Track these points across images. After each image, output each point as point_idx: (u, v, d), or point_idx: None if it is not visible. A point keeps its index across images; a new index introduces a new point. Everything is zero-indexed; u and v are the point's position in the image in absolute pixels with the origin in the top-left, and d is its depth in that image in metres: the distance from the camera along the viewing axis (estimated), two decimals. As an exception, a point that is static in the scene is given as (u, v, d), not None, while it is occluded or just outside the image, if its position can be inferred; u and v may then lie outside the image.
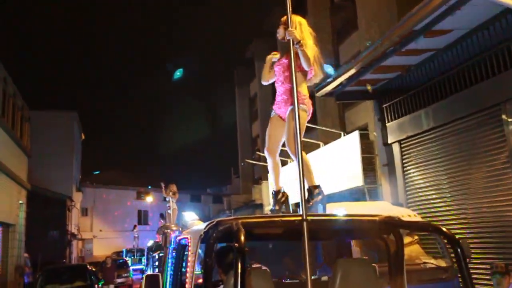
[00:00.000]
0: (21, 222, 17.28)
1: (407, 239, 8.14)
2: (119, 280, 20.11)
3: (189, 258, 3.14)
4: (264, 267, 3.97)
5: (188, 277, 3.05)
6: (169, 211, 12.20)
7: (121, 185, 49.56)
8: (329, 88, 10.66)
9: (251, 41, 36.54)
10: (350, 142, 12.43)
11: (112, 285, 15.89)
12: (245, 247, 2.30)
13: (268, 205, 19.35)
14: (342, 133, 13.07)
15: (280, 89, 4.01)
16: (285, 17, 3.53)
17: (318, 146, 14.30)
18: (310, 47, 3.81)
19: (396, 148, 10.76)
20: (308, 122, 4.16)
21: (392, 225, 3.24)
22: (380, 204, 9.05)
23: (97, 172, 55.54)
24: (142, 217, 48.68)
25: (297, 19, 3.86)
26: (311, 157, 14.96)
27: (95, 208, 46.35)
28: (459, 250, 2.73)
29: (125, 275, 22.78)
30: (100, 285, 14.87)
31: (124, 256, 31.95)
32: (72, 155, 37.94)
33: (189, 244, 3.16)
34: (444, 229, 2.97)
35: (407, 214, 8.28)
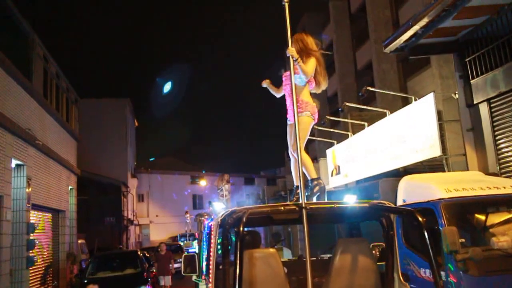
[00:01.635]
0: (72, 208, 16.77)
1: (506, 215, 6.55)
2: (176, 265, 18.45)
3: (212, 241, 3.78)
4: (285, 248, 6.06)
5: (212, 255, 3.72)
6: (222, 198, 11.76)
7: (175, 170, 49.57)
8: (400, 41, 9.01)
9: (302, 14, 34.67)
10: (424, 107, 10.71)
11: (169, 276, 14.16)
12: (243, 232, 2.84)
13: (327, 184, 17.93)
14: (413, 98, 11.35)
15: (288, 100, 4.45)
16: (293, 36, 4.22)
17: (384, 115, 12.65)
18: (312, 62, 4.28)
19: (484, 109, 9.00)
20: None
21: (381, 209, 3.60)
22: (474, 175, 7.43)
23: (152, 159, 55.96)
24: (197, 202, 48.53)
25: (299, 37, 4.39)
26: (377, 127, 13.44)
27: (151, 194, 46.59)
28: (424, 233, 3.05)
29: (181, 259, 22.13)
30: (151, 271, 14.04)
31: (178, 241, 31.72)
32: (126, 142, 37.97)
33: (213, 229, 3.85)
34: (416, 213, 3.20)
35: (509, 185, 6.66)
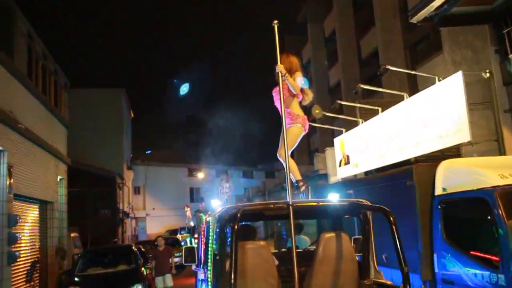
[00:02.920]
0: (62, 199, 15.63)
1: None
2: (176, 260, 16.16)
3: (210, 234, 4.35)
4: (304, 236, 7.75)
5: (210, 248, 4.27)
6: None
7: (172, 162, 48.47)
8: (431, 8, 7.89)
9: (305, 1, 33.54)
10: (450, 88, 9.59)
11: (169, 275, 11.95)
12: (238, 226, 3.30)
13: (334, 175, 16.84)
14: (437, 78, 10.25)
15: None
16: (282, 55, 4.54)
17: (401, 98, 11.52)
18: (299, 76, 4.85)
19: (525, 87, 7.92)
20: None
21: (358, 207, 4.21)
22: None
23: (149, 152, 54.76)
24: (194, 194, 47.49)
25: (287, 57, 4.85)
26: (393, 112, 12.32)
27: (147, 186, 45.49)
28: (394, 228, 3.37)
29: (179, 254, 20.97)
30: (147, 268, 12.91)
31: (178, 234, 30.83)
32: (122, 133, 36.86)
33: (211, 224, 4.46)
34: (387, 211, 3.48)
35: None
